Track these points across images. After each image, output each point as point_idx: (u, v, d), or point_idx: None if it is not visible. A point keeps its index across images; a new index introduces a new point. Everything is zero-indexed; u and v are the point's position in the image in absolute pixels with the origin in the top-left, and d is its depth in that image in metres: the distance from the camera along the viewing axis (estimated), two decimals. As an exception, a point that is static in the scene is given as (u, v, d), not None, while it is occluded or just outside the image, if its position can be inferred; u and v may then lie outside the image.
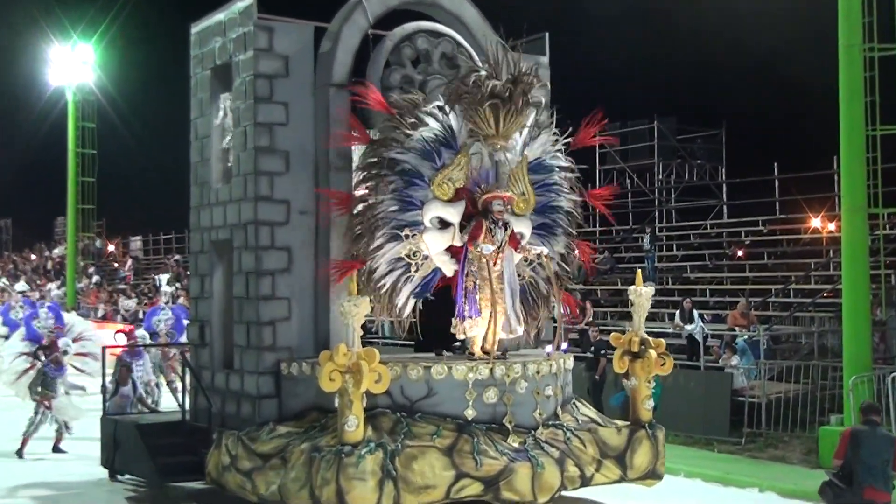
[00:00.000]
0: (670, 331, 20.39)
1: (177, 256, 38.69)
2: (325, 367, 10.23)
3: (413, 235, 11.57)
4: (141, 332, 18.87)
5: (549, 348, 12.42)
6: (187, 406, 13.59)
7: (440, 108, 11.65)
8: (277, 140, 12.20)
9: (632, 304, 12.36)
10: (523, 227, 12.13)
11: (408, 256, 11.65)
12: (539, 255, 11.95)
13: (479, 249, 11.48)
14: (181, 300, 26.74)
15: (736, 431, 17.27)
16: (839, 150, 15.56)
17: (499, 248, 11.53)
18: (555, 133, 12.55)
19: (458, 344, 12.05)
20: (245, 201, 12.42)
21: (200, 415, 13.16)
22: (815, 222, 27.44)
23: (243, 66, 12.44)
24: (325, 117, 12.27)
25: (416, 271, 11.71)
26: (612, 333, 12.62)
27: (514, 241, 11.82)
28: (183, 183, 13.94)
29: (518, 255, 11.97)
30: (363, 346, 10.45)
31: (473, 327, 11.53)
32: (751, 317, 20.97)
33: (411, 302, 11.76)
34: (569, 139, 12.65)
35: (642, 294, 12.30)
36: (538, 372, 11.66)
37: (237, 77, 12.59)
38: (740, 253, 27.57)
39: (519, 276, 12.12)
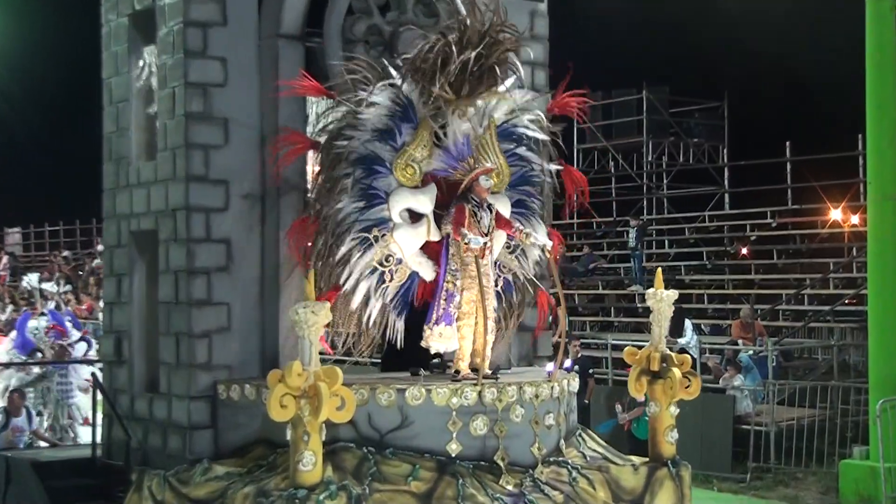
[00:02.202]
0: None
1: (66, 252, 38.15)
2: (274, 391, 9.93)
3: (383, 236, 11.45)
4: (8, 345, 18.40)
5: (549, 366, 12.15)
6: (99, 439, 13.27)
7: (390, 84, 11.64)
8: (214, 105, 12.01)
9: (651, 312, 12.16)
10: (501, 206, 11.96)
11: (380, 263, 11.52)
12: (535, 244, 11.89)
13: (466, 242, 11.28)
14: (56, 305, 26.55)
15: (740, 466, 17.56)
16: (865, 128, 15.75)
17: (487, 236, 11.50)
18: (526, 91, 12.48)
19: (437, 360, 11.88)
20: (174, 182, 12.17)
21: (116, 450, 12.86)
22: (836, 214, 28.23)
23: (170, 10, 12.16)
24: (272, 77, 12.06)
25: (390, 280, 11.59)
26: (627, 348, 12.35)
27: (504, 222, 11.75)
28: (82, 162, 14.01)
29: (499, 242, 11.88)
30: (322, 364, 10.17)
31: (444, 338, 11.42)
32: (757, 328, 21.31)
33: (397, 322, 11.68)
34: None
35: (664, 299, 11.98)
36: (537, 396, 11.40)
37: (162, 25, 12.36)
38: (745, 251, 28.29)
39: (503, 268, 12.11)
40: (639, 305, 27.01)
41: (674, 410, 12.06)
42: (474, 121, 11.81)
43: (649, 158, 33.72)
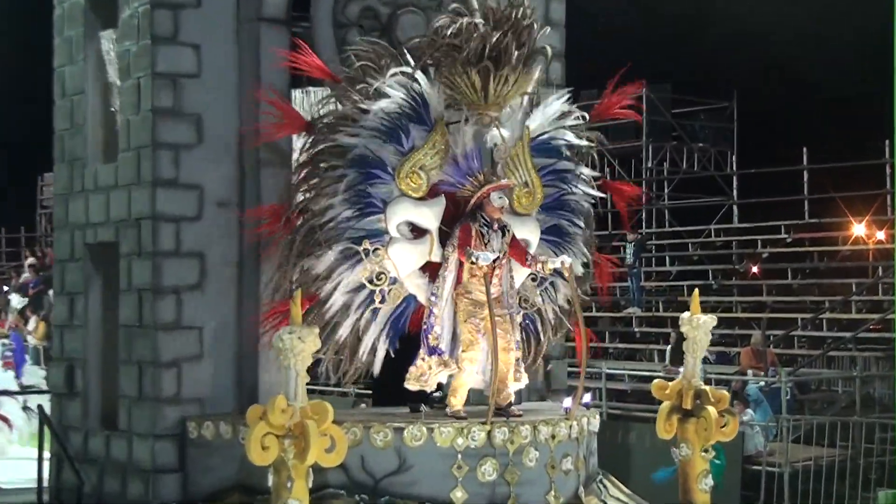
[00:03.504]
0: (660, 374, 20.51)
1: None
2: (254, 430, 9.53)
3: (375, 250, 11.24)
4: None
5: (567, 402, 11.95)
6: (45, 483, 13.13)
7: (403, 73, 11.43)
8: (185, 98, 11.92)
9: (685, 340, 11.83)
10: (528, 232, 11.79)
11: (370, 282, 11.30)
12: (557, 269, 11.59)
13: (473, 259, 11.12)
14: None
15: (750, 511, 17.67)
16: (893, 133, 15.50)
17: (498, 258, 11.30)
18: (569, 97, 12.33)
19: (438, 394, 11.70)
20: (138, 187, 12.06)
21: (66, 496, 12.73)
22: (859, 229, 27.96)
23: (134, -12, 12.13)
24: (253, 67, 11.97)
25: (381, 302, 11.38)
26: (655, 382, 12.09)
27: (518, 250, 11.52)
28: (30, 162, 13.79)
29: (523, 271, 11.66)
30: (309, 399, 9.83)
31: (434, 372, 11.32)
32: (769, 356, 21.39)
33: (382, 349, 11.45)
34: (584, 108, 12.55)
35: (700, 325, 11.67)
36: (553, 436, 11.30)
37: (125, 6, 12.27)
38: (755, 269, 28.14)
39: (524, 301, 11.92)
40: (636, 330, 27.11)
41: (708, 454, 11.83)
42: (492, 129, 11.63)
43: (649, 164, 33.55)
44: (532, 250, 11.69)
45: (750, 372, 20.72)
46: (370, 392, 12.71)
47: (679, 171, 33.66)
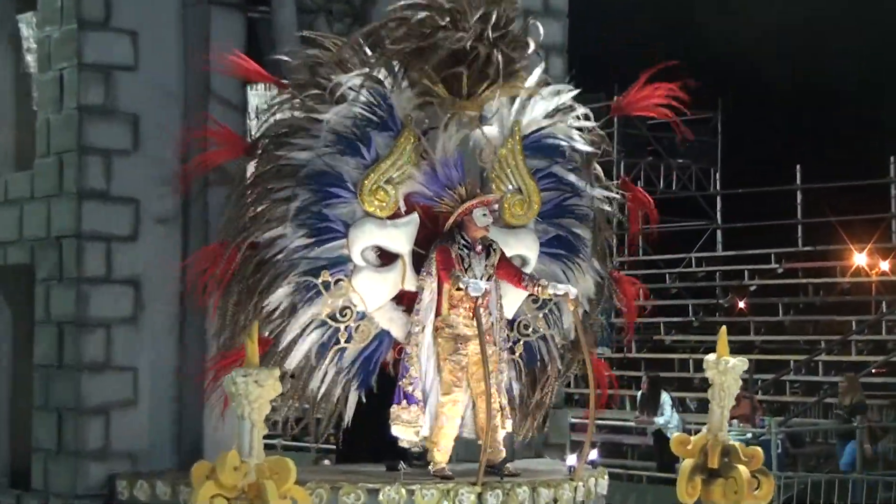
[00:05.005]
0: (631, 425, 21.51)
1: None
2: (201, 491, 9.42)
3: (337, 282, 11.10)
4: None
5: (571, 459, 12.01)
6: None
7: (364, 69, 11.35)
8: (120, 94, 11.78)
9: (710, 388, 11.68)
10: (524, 247, 11.63)
11: (333, 318, 11.15)
12: (559, 296, 11.43)
13: (461, 286, 10.90)
14: None
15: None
16: None
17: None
18: (570, 86, 12.23)
19: (418, 449, 11.49)
20: (60, 199, 11.90)
21: None
22: (860, 258, 27.96)
23: (57, -37, 12.11)
24: (201, 60, 11.83)
25: (347, 341, 11.25)
26: (676, 436, 11.98)
27: (510, 270, 11.38)
28: None
29: (517, 295, 11.52)
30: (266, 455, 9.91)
31: (399, 423, 11.20)
32: (755, 404, 21.34)
33: (352, 396, 11.33)
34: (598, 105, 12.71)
35: (729, 370, 11.42)
36: (556, 500, 11.15)
37: None
38: (742, 304, 28.20)
39: (524, 328, 11.77)
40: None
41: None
42: (471, 128, 11.53)
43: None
44: (530, 268, 11.55)
45: (735, 422, 20.52)
46: (334, 446, 12.51)
47: (655, 191, 33.49)
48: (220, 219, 11.53)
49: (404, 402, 11.10)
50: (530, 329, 11.82)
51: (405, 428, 11.13)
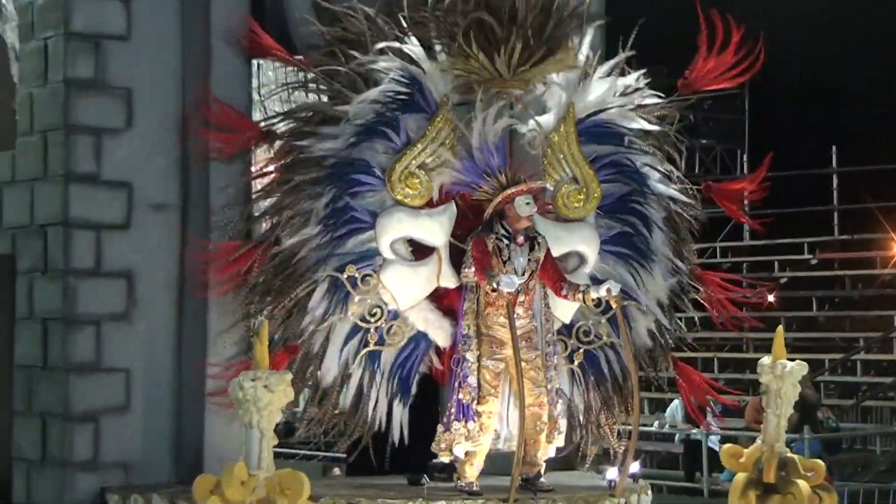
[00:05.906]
0: (653, 429, 21.75)
1: None
2: None
3: (365, 278, 11.05)
4: None
5: (611, 473, 11.81)
6: None
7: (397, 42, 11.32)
8: (111, 67, 11.65)
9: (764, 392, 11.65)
10: (582, 242, 11.56)
11: (362, 319, 11.12)
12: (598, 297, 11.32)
13: (494, 285, 10.78)
14: None
15: None
16: None
17: (524, 282, 11.07)
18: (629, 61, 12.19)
19: (443, 461, 11.41)
20: (44, 183, 11.81)
21: None
22: None
23: (42, -81, 11.90)
24: (202, 29, 11.74)
25: (378, 343, 11.22)
26: (727, 447, 11.98)
27: (552, 273, 11.27)
28: None
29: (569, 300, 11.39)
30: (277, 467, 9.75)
31: (463, 441, 11.10)
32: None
33: (396, 410, 11.29)
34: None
35: (786, 375, 11.36)
36: None
37: None
38: (771, 298, 28.19)
39: (585, 335, 11.66)
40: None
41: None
42: (518, 111, 11.49)
43: (642, 166, 33.68)
44: (589, 267, 11.52)
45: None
46: (344, 455, 12.37)
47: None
48: (221, 206, 11.54)
49: (463, 419, 10.96)
50: (591, 335, 11.74)
51: (465, 446, 11.03)
